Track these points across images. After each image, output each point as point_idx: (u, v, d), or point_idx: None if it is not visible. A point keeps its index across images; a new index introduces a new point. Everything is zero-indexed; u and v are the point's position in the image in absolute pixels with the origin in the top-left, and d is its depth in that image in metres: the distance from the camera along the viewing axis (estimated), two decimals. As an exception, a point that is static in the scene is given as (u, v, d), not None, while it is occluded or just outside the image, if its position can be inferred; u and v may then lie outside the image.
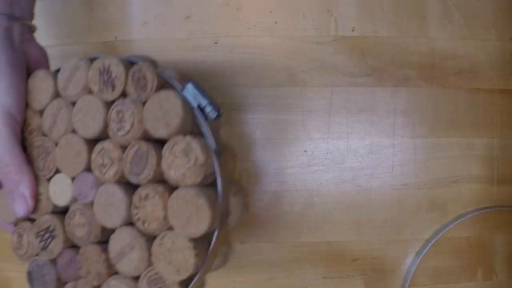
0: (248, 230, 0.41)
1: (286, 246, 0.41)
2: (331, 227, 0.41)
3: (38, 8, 0.41)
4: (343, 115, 0.41)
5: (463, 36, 0.40)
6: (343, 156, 0.41)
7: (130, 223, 0.27)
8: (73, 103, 0.29)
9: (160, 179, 0.27)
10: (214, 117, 0.27)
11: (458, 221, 0.41)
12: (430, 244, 0.40)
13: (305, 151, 0.41)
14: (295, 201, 0.41)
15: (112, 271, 0.28)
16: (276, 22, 0.40)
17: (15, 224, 0.32)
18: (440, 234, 0.40)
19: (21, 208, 0.30)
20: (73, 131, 0.29)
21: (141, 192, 0.27)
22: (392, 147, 0.41)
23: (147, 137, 0.27)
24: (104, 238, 0.28)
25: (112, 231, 0.28)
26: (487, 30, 0.41)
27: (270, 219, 0.41)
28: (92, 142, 0.28)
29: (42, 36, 0.41)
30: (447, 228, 0.41)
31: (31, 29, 0.35)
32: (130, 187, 0.27)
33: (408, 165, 0.41)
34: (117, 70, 0.27)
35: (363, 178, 0.41)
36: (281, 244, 0.41)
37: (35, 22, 0.41)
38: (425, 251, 0.40)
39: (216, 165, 0.27)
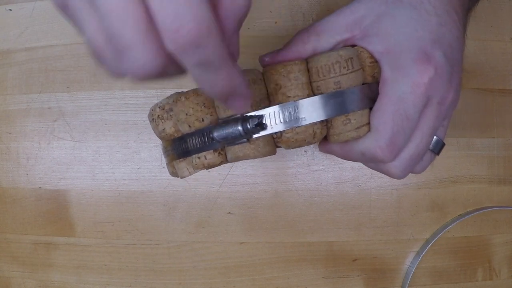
0: (248, 230, 0.41)
1: (286, 246, 0.41)
2: (331, 227, 0.41)
3: (38, 8, 0.41)
4: (343, 115, 0.41)
5: (463, 36, 0.40)
6: (343, 156, 0.41)
7: None
8: None
9: None
10: None
11: (458, 221, 0.41)
12: (430, 244, 0.40)
13: (305, 151, 0.41)
14: (295, 201, 0.41)
15: None
16: (276, 22, 0.40)
17: None
18: (440, 234, 0.40)
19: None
20: None
21: None
22: (392, 147, 0.41)
23: None
24: None
25: None
26: (487, 30, 0.41)
27: (270, 219, 0.41)
28: None
29: (43, 36, 0.41)
30: (447, 228, 0.41)
31: None
32: None
33: (408, 165, 0.41)
34: None
35: (363, 178, 0.41)
36: (281, 244, 0.41)
37: (34, 22, 0.41)
38: (425, 251, 0.40)
39: None
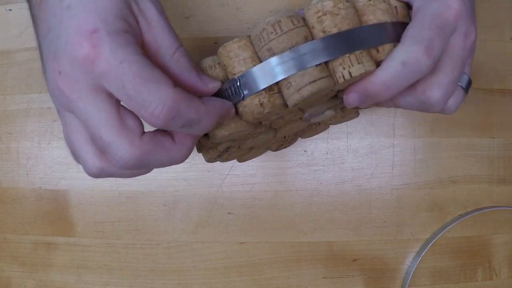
0: (248, 230, 0.41)
1: (286, 246, 0.41)
2: (331, 227, 0.41)
3: (38, 8, 0.41)
4: (343, 115, 0.41)
5: (463, 36, 0.40)
6: (343, 156, 0.41)
7: None
8: None
9: None
10: None
11: (458, 221, 0.41)
12: (430, 244, 0.40)
13: (305, 151, 0.41)
14: (295, 201, 0.41)
15: None
16: (276, 22, 0.40)
17: None
18: (440, 234, 0.40)
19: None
20: None
21: None
22: (392, 147, 0.41)
23: None
24: None
25: None
26: (487, 30, 0.41)
27: (270, 219, 0.41)
28: None
29: (42, 36, 0.41)
30: (447, 228, 0.41)
31: None
32: None
33: (408, 165, 0.41)
34: None
35: (363, 178, 0.41)
36: (281, 244, 0.41)
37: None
38: (425, 251, 0.40)
39: None
